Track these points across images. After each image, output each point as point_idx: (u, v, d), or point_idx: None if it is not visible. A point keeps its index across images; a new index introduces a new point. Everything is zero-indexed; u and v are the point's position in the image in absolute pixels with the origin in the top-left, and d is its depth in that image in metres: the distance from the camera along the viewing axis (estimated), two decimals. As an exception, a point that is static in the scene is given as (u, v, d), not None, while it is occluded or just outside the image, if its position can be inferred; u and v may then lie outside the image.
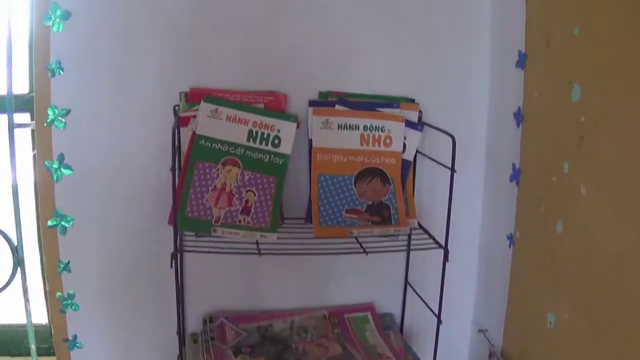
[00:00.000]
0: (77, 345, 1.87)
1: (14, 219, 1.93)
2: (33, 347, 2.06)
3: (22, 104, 1.91)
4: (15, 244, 1.95)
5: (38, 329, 2.12)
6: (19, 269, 1.97)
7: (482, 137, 1.96)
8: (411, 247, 1.86)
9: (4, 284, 1.96)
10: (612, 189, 1.36)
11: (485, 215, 2.02)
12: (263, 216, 1.71)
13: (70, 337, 1.86)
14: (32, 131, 1.92)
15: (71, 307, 1.83)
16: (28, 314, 2.02)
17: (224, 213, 1.69)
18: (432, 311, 1.81)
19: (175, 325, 1.73)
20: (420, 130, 1.82)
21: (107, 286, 1.85)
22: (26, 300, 2.00)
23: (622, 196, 1.32)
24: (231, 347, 1.78)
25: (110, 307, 1.87)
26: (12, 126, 1.85)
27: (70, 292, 1.82)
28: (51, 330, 2.13)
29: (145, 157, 1.77)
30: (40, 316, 2.15)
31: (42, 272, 2.08)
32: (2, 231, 1.92)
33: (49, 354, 2.18)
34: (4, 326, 2.18)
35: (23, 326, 2.13)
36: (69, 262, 1.80)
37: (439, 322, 1.76)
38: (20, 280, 1.99)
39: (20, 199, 1.92)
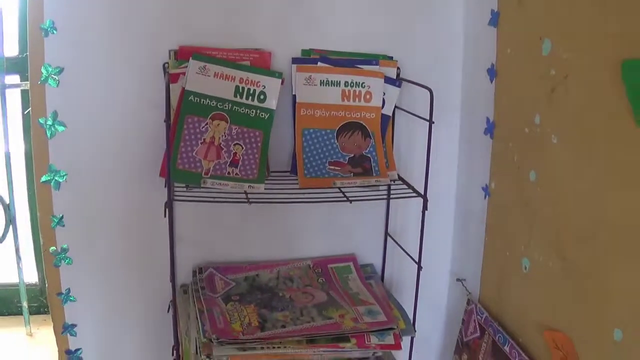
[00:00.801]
0: (71, 298, 1.91)
1: (5, 178, 1.98)
2: (25, 304, 2.12)
3: (11, 66, 1.95)
4: (7, 202, 2.00)
5: (28, 287, 2.18)
6: (10, 227, 2.03)
7: (457, 93, 2.04)
8: (392, 196, 1.94)
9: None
10: (581, 136, 1.44)
11: (461, 169, 2.10)
12: (250, 168, 1.78)
13: (63, 291, 1.91)
14: (22, 92, 1.98)
15: (64, 261, 1.88)
16: (20, 271, 2.08)
17: (213, 165, 1.76)
18: (412, 258, 1.89)
19: (165, 276, 1.81)
20: (399, 86, 1.90)
21: (100, 240, 1.90)
22: (18, 257, 2.06)
23: (590, 143, 1.40)
24: (221, 296, 1.85)
25: (102, 261, 1.92)
26: (3, 87, 1.90)
27: (64, 246, 1.87)
28: (41, 288, 2.18)
29: (135, 113, 1.82)
30: (30, 275, 2.21)
31: (32, 231, 2.13)
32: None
33: (39, 312, 2.24)
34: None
35: (12, 285, 2.18)
36: (62, 216, 1.84)
37: (419, 267, 1.85)
38: (12, 239, 2.05)
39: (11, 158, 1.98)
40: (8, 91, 1.93)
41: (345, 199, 1.74)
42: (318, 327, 1.72)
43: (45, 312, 2.21)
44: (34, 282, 2.22)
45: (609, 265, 1.36)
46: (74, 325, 1.94)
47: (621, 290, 1.32)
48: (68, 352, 1.97)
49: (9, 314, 2.25)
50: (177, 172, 1.72)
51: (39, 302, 2.23)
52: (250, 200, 1.69)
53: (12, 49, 1.96)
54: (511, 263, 1.77)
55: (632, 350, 1.29)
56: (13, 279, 2.16)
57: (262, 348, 1.66)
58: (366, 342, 1.71)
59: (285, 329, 1.71)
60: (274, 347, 1.67)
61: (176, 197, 1.67)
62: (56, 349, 1.98)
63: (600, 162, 1.37)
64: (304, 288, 1.93)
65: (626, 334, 1.30)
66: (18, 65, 1.96)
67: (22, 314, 2.17)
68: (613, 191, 1.34)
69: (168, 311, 1.91)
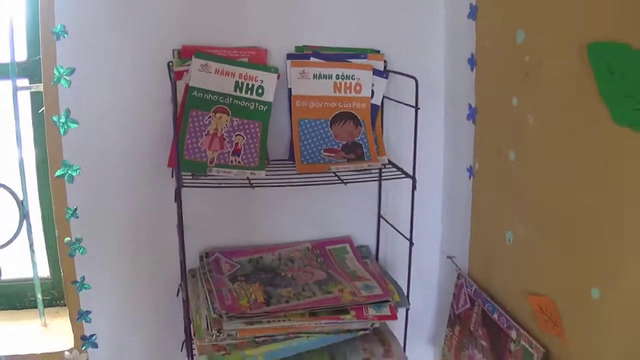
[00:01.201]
0: (85, 286, 2.03)
1: (18, 174, 2.08)
2: (39, 296, 2.21)
3: (20, 70, 2.05)
4: (21, 198, 2.10)
5: (40, 281, 2.27)
6: (24, 222, 2.13)
7: (441, 82, 2.17)
8: (383, 178, 2.06)
9: (9, 237, 2.11)
10: (554, 114, 1.57)
11: (446, 152, 2.22)
12: (252, 156, 1.91)
13: (78, 279, 2.02)
14: (31, 94, 2.08)
15: (79, 251, 1.99)
16: (34, 265, 2.17)
17: (217, 155, 1.88)
18: (403, 235, 2.03)
19: (173, 262, 1.94)
20: (386, 78, 2.04)
21: (112, 230, 2.02)
22: (32, 251, 2.15)
23: (562, 120, 1.53)
24: (227, 277, 1.97)
25: (114, 249, 2.03)
26: (15, 90, 2.01)
27: (78, 237, 1.98)
28: (53, 281, 2.27)
29: (143, 109, 1.94)
30: (41, 270, 2.29)
31: (44, 226, 2.23)
32: (6, 186, 2.07)
33: (51, 305, 2.32)
34: (6, 281, 2.29)
35: (25, 280, 2.27)
36: (76, 208, 1.96)
37: (411, 244, 1.98)
38: (26, 234, 2.15)
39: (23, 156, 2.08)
40: (18, 93, 2.03)
41: (340, 181, 1.86)
42: (319, 301, 1.85)
43: (57, 305, 2.30)
44: (45, 276, 2.30)
45: (583, 231, 1.48)
46: (88, 312, 2.06)
47: (595, 253, 1.44)
48: (83, 338, 2.08)
49: (22, 308, 2.32)
50: (184, 162, 1.85)
51: (50, 295, 2.31)
52: (253, 184, 1.81)
53: (21, 54, 2.05)
54: (496, 237, 1.89)
55: (609, 306, 1.41)
56: (24, 274, 2.25)
57: (269, 322, 1.78)
58: (364, 314, 1.83)
59: (289, 304, 1.83)
60: (279, 321, 1.79)
61: (184, 184, 1.79)
62: (71, 337, 2.09)
63: (572, 138, 1.50)
64: (305, 268, 2.05)
65: (602, 292, 1.42)
66: (27, 69, 2.05)
67: (34, 307, 2.24)
68: (584, 163, 1.46)
69: (177, 294, 2.02)
